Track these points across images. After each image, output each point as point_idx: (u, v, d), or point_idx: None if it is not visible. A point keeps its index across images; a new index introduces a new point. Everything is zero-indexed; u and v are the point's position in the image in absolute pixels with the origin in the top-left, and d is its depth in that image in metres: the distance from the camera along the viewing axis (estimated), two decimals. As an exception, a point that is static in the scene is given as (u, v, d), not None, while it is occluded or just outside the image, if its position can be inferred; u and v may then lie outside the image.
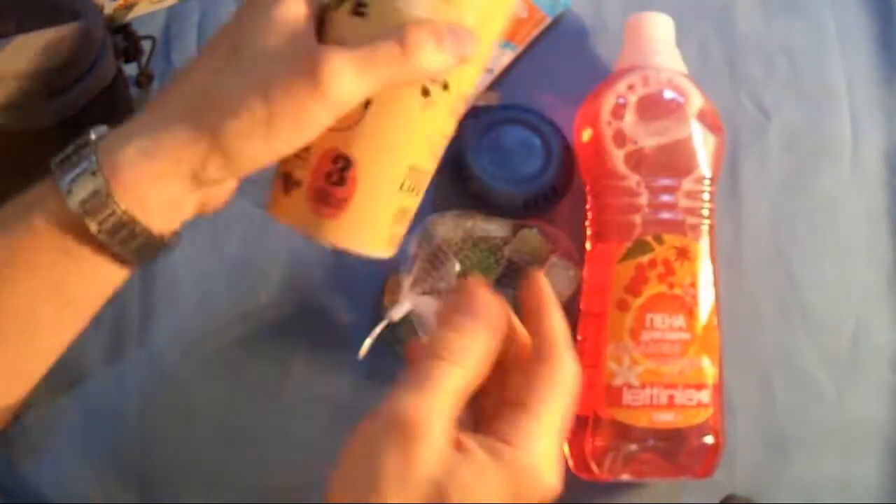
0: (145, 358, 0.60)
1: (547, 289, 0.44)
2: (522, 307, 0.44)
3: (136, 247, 0.40)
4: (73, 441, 0.58)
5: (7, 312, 0.41)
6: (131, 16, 0.64)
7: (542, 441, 0.40)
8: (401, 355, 0.59)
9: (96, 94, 0.54)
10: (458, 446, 0.39)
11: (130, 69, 0.61)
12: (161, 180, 0.39)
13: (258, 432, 0.59)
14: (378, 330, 0.56)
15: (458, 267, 0.58)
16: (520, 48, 0.63)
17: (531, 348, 0.43)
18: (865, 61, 0.64)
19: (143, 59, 0.62)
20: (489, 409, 0.43)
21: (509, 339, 0.43)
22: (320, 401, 0.60)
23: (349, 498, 0.40)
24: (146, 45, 0.62)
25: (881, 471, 0.59)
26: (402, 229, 0.46)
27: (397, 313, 0.56)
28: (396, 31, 0.40)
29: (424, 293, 0.58)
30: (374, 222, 0.44)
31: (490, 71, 0.63)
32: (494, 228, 0.58)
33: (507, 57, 0.63)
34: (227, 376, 0.60)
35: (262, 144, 0.39)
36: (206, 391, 0.60)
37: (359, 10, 0.41)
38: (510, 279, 0.59)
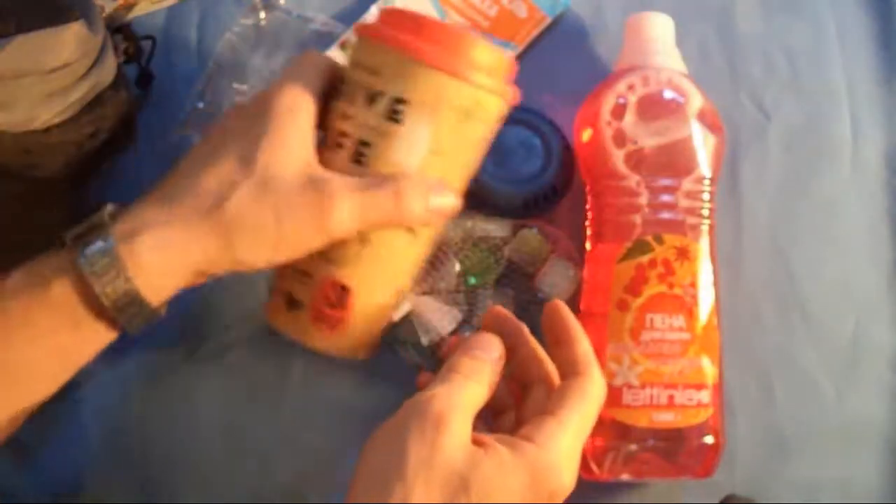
0: (145, 358, 0.60)
1: (570, 315, 0.49)
2: (549, 333, 0.49)
3: (138, 319, 0.45)
4: (72, 441, 0.58)
5: (12, 368, 0.45)
6: (131, 16, 0.64)
7: (565, 442, 0.44)
8: (400, 355, 0.59)
9: (97, 95, 0.54)
10: (479, 443, 0.43)
11: (130, 69, 0.61)
12: (171, 271, 0.45)
13: (258, 432, 0.59)
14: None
15: (458, 267, 0.58)
16: (520, 48, 0.63)
17: (562, 367, 0.48)
18: (865, 61, 0.64)
19: (143, 59, 0.62)
20: (507, 425, 0.48)
21: (530, 359, 0.49)
22: (320, 400, 0.60)
23: (375, 486, 0.41)
24: (146, 45, 0.62)
25: (881, 471, 0.59)
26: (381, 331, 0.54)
27: (397, 313, 0.56)
28: (393, 183, 0.47)
29: (424, 293, 0.58)
30: (364, 336, 0.52)
31: (490, 71, 0.63)
32: (494, 228, 0.58)
33: (507, 57, 0.63)
34: (227, 376, 0.60)
35: (266, 257, 0.46)
36: (206, 391, 0.60)
37: (359, 159, 0.48)
38: (510, 279, 0.59)
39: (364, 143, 0.48)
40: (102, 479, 0.59)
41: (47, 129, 0.52)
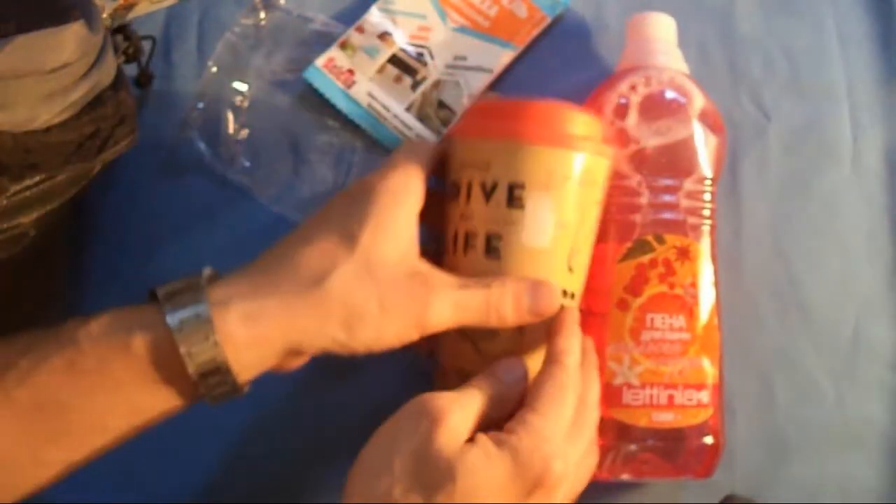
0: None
1: (569, 315, 0.49)
2: (549, 331, 0.49)
3: (220, 390, 0.44)
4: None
5: (78, 415, 0.43)
6: (131, 16, 0.64)
7: (546, 429, 0.44)
8: (397, 355, 0.59)
9: (97, 95, 0.54)
10: (471, 440, 0.43)
11: (130, 69, 0.61)
12: (263, 344, 0.44)
13: (257, 432, 0.59)
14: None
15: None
16: (520, 48, 0.63)
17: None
18: (865, 61, 0.64)
19: (143, 59, 0.62)
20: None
21: None
22: (318, 400, 0.60)
23: (366, 479, 0.42)
24: (146, 45, 0.62)
25: (881, 471, 0.59)
26: None
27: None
28: (484, 288, 0.47)
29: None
30: None
31: (490, 71, 0.63)
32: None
33: (507, 57, 0.63)
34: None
35: (365, 342, 0.45)
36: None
37: (492, 253, 0.50)
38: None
39: (494, 236, 0.50)
40: (102, 479, 0.59)
41: (47, 129, 0.51)
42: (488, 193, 0.50)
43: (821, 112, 0.63)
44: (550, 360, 0.47)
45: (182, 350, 0.42)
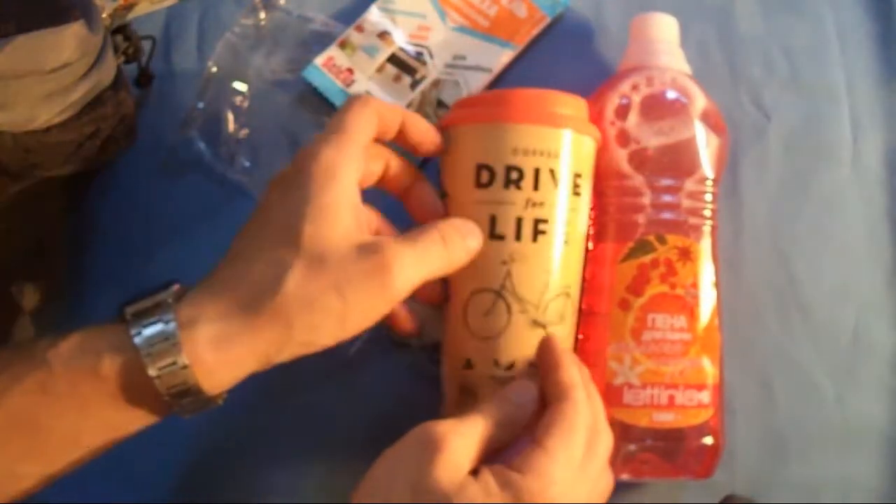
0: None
1: (559, 344, 0.50)
2: (541, 362, 0.50)
3: (192, 407, 0.44)
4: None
5: (52, 434, 0.43)
6: (131, 16, 0.64)
7: (553, 471, 0.43)
8: (397, 355, 0.59)
9: (97, 95, 0.54)
10: (474, 473, 0.43)
11: (130, 69, 0.61)
12: (233, 364, 0.43)
13: (256, 432, 0.59)
14: (370, 331, 0.56)
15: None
16: (519, 48, 0.63)
17: (550, 393, 0.48)
18: (865, 61, 0.64)
19: (143, 59, 0.62)
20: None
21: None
22: (318, 400, 0.60)
23: None
24: (146, 45, 0.62)
25: (881, 471, 0.59)
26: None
27: (393, 315, 0.56)
28: (435, 229, 0.47)
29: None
30: None
31: (489, 70, 0.63)
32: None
33: (507, 57, 0.63)
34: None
35: (334, 335, 0.44)
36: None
37: (565, 241, 0.52)
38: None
39: (562, 224, 0.52)
40: (102, 479, 0.59)
41: (47, 129, 0.52)
42: (557, 181, 0.51)
43: (821, 112, 0.63)
44: (560, 398, 0.47)
45: (152, 373, 0.41)
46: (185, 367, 0.42)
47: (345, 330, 0.44)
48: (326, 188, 0.44)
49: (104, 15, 0.62)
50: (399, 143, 0.51)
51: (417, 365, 0.58)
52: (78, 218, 0.59)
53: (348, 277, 0.43)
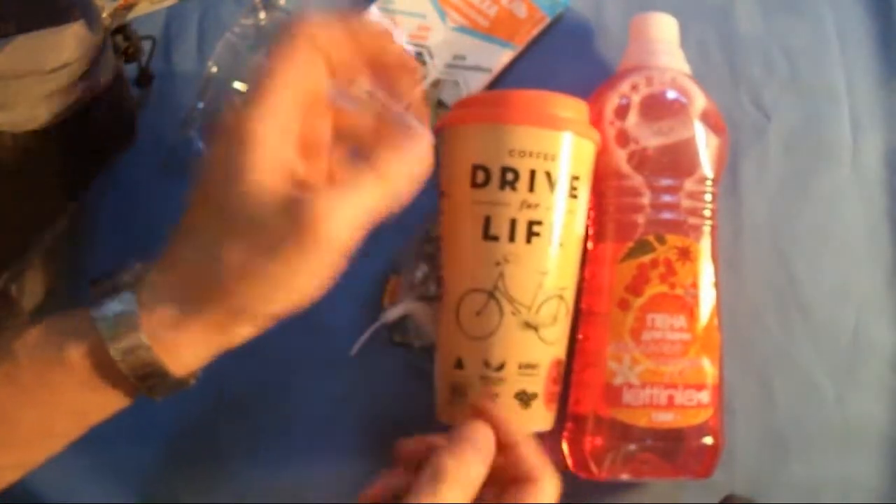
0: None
1: (501, 419, 0.48)
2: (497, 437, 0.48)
3: (162, 388, 0.43)
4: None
5: (24, 424, 0.43)
6: (131, 16, 0.64)
7: None
8: (397, 355, 0.59)
9: (96, 95, 0.54)
10: None
11: (130, 69, 0.61)
12: (195, 342, 0.42)
13: (256, 432, 0.59)
14: (371, 331, 0.56)
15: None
16: (519, 48, 0.63)
17: (512, 470, 0.47)
18: (865, 61, 0.64)
19: (143, 59, 0.62)
20: None
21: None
22: (318, 400, 0.60)
23: None
24: (146, 45, 0.62)
25: (881, 471, 0.59)
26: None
27: (391, 315, 0.56)
28: (370, 168, 0.42)
29: (423, 297, 0.58)
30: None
31: (489, 71, 0.63)
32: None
33: (507, 57, 0.63)
34: (225, 377, 0.60)
35: (286, 300, 0.42)
36: (204, 391, 0.60)
37: (556, 242, 0.52)
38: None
39: (557, 227, 0.52)
40: (102, 479, 0.59)
41: (47, 129, 0.52)
42: (553, 183, 0.51)
43: (821, 112, 0.63)
44: (528, 476, 0.46)
45: (114, 356, 0.41)
46: (147, 347, 0.41)
47: (297, 293, 0.42)
48: (241, 153, 0.41)
49: (104, 15, 0.62)
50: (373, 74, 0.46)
51: (417, 365, 0.58)
52: (78, 217, 0.59)
53: (280, 236, 0.40)
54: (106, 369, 0.41)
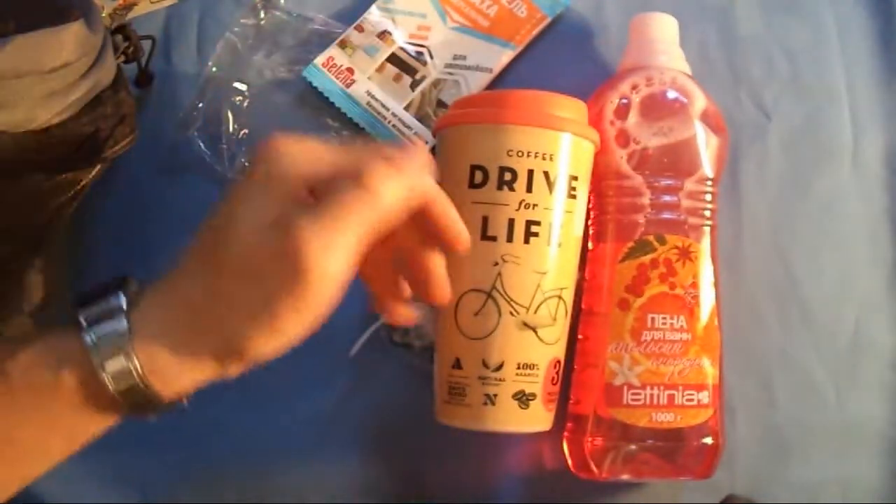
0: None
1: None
2: None
3: (153, 412, 0.42)
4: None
5: (19, 443, 0.43)
6: (131, 15, 0.64)
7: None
8: (397, 355, 0.59)
9: (96, 95, 0.54)
10: None
11: (130, 69, 0.61)
12: (187, 373, 0.42)
13: (256, 432, 0.59)
14: (370, 331, 0.56)
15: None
16: (519, 48, 0.63)
17: None
18: (865, 61, 0.64)
19: (143, 59, 0.62)
20: None
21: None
22: (318, 400, 0.60)
23: None
24: (146, 45, 0.62)
25: (881, 471, 0.59)
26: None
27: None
28: (352, 175, 0.40)
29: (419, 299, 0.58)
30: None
31: (489, 70, 0.63)
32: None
33: (507, 56, 0.63)
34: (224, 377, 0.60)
35: (275, 343, 0.40)
36: (204, 391, 0.60)
37: (558, 243, 0.52)
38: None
39: (556, 227, 0.52)
40: (102, 479, 0.59)
41: (47, 129, 0.51)
42: (552, 184, 0.51)
43: (821, 112, 0.63)
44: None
45: (108, 384, 0.40)
46: (139, 375, 0.41)
47: (290, 335, 0.40)
48: (257, 183, 0.41)
49: (104, 15, 0.62)
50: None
51: (417, 365, 0.58)
52: (78, 217, 0.59)
53: (276, 283, 0.39)
54: (99, 394, 0.41)
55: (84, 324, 0.42)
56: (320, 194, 0.41)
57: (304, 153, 0.41)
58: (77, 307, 0.43)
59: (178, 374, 0.42)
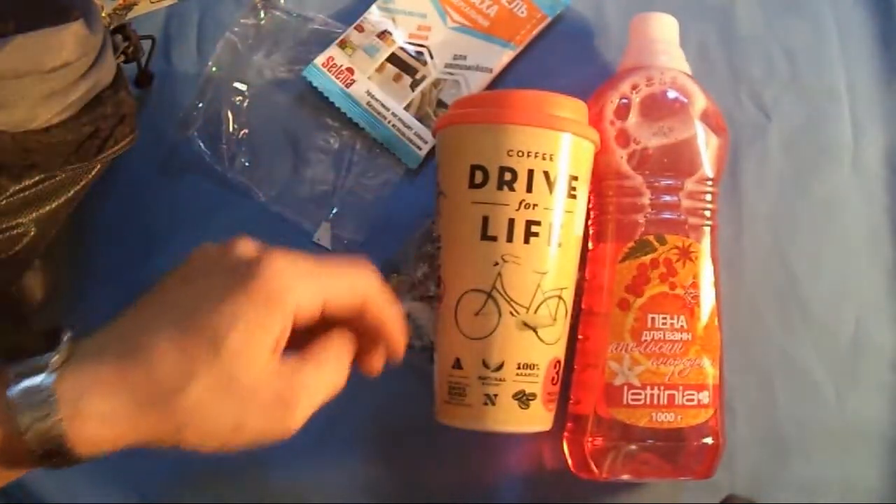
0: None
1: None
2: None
3: (69, 466, 0.41)
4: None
5: None
6: (131, 15, 0.64)
7: None
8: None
9: (96, 95, 0.54)
10: None
11: (130, 69, 0.61)
12: (117, 440, 0.41)
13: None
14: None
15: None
16: (519, 48, 0.63)
17: None
18: (865, 61, 0.64)
19: (143, 59, 0.62)
20: None
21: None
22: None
23: None
24: (146, 45, 0.62)
25: (881, 471, 0.59)
26: None
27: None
28: (335, 350, 0.46)
29: (422, 297, 0.58)
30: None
31: (489, 70, 0.63)
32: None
33: (507, 56, 0.63)
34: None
35: (225, 444, 0.42)
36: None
37: (558, 242, 0.52)
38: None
39: (556, 227, 0.52)
40: (102, 479, 0.59)
41: (47, 129, 0.51)
42: (552, 184, 0.51)
43: (821, 112, 0.63)
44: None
45: (36, 452, 0.39)
46: (62, 437, 0.39)
47: (236, 440, 0.42)
48: (273, 305, 0.41)
49: (104, 14, 0.62)
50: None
51: (417, 365, 0.58)
52: (78, 217, 0.59)
53: (256, 403, 0.41)
54: (18, 449, 0.40)
55: (10, 375, 0.40)
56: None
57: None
58: (8, 361, 0.41)
59: (107, 439, 0.41)
